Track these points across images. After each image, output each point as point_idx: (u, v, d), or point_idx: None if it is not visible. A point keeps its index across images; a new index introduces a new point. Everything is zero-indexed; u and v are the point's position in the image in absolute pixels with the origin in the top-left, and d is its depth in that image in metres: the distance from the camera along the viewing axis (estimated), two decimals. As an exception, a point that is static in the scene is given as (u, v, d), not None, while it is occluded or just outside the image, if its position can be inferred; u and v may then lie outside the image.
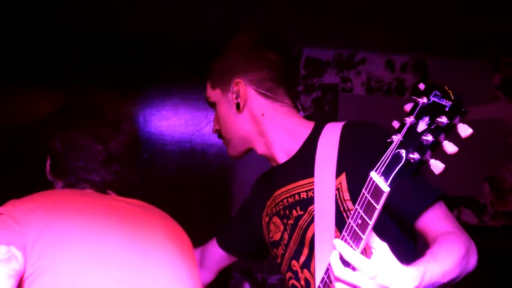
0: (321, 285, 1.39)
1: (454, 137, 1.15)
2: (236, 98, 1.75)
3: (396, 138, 1.18)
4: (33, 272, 1.40)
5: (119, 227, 1.52)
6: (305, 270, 1.63)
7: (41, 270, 1.40)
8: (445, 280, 1.37)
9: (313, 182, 1.63)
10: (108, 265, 1.45)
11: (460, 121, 1.14)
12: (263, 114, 1.75)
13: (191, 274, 1.60)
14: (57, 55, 3.33)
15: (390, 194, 1.17)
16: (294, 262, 1.67)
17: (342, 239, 1.28)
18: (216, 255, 2.00)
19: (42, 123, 1.76)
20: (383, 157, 1.20)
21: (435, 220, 1.51)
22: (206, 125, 3.37)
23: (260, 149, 1.77)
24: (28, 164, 1.83)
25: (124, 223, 1.54)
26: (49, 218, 1.47)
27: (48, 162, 1.75)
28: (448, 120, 1.13)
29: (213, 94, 1.81)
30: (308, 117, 1.85)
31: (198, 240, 1.96)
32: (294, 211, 1.68)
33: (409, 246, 1.58)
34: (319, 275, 1.52)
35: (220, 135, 1.85)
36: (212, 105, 1.83)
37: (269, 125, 1.75)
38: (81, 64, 3.35)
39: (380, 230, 1.27)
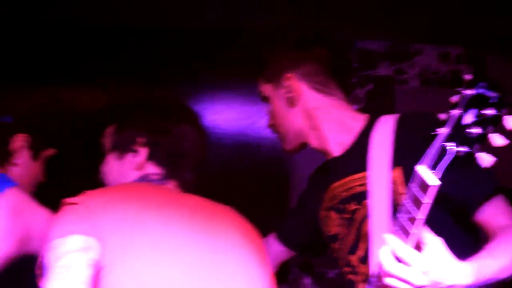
0: (374, 280, 1.39)
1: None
2: (288, 92, 1.76)
3: (443, 131, 1.17)
4: (108, 264, 1.40)
5: (192, 223, 1.53)
6: (363, 265, 1.62)
7: (117, 262, 1.40)
8: (503, 276, 1.35)
9: (368, 176, 1.62)
10: (182, 260, 1.46)
11: (508, 113, 1.12)
12: (315, 108, 1.75)
13: (265, 271, 1.60)
14: (115, 50, 3.39)
15: (443, 187, 1.15)
16: (351, 256, 1.67)
17: (393, 234, 1.27)
18: (276, 250, 2.01)
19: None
20: (430, 150, 1.19)
21: (495, 213, 1.49)
22: (261, 118, 3.38)
23: (314, 143, 1.78)
24: (91, 155, 1.85)
25: (197, 218, 1.54)
26: (124, 211, 1.47)
27: (145, 154, 1.77)
28: (495, 112, 1.11)
29: (266, 89, 1.82)
30: (361, 110, 1.85)
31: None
32: (349, 205, 1.67)
33: (467, 241, 1.55)
34: (374, 269, 1.52)
35: (274, 130, 1.86)
36: (265, 100, 1.85)
37: (322, 119, 1.75)
38: (135, 58, 3.40)
39: (435, 225, 1.26)
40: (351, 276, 1.68)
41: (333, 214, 1.74)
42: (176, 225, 1.51)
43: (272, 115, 1.83)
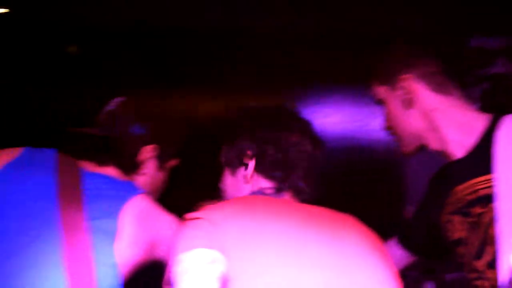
0: (504, 286, 1.33)
1: None
2: (406, 94, 1.72)
3: None
4: (234, 275, 1.41)
5: (314, 231, 1.52)
6: (490, 270, 1.56)
7: (242, 273, 1.41)
8: None
9: (494, 178, 1.57)
10: (310, 267, 1.44)
11: None
12: (434, 109, 1.70)
13: (393, 276, 1.57)
14: (233, 57, 3.44)
15: None
16: (477, 262, 1.61)
17: None
18: (397, 255, 1.97)
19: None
20: None
21: None
22: (371, 120, 3.33)
23: (434, 145, 1.73)
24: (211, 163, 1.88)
25: (318, 227, 1.53)
26: (247, 221, 1.48)
27: (251, 165, 1.76)
28: None
29: (382, 91, 1.79)
30: (478, 110, 1.78)
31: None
32: (475, 209, 1.62)
33: None
34: (504, 275, 1.45)
35: (391, 132, 1.82)
36: (381, 102, 1.81)
37: (441, 120, 1.70)
38: (241, 63, 3.43)
39: None
40: (477, 282, 1.62)
41: (456, 218, 1.68)
42: (298, 234, 1.50)
43: (389, 117, 1.79)
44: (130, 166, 1.88)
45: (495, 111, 1.72)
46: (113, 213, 1.64)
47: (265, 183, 1.67)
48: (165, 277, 1.47)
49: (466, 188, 1.65)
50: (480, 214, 1.60)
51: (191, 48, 3.45)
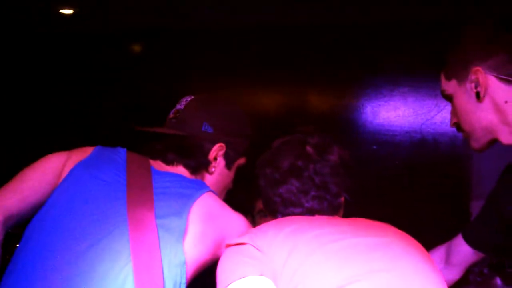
0: None
1: None
2: (476, 87, 1.67)
3: None
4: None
5: (357, 237, 1.49)
6: None
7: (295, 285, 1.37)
8: None
9: None
10: (360, 275, 1.40)
11: None
12: (506, 102, 1.65)
13: (440, 277, 1.54)
14: (288, 50, 3.44)
15: None
16: None
17: None
18: (464, 252, 1.93)
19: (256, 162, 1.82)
20: None
21: None
22: (437, 114, 3.27)
23: (506, 139, 1.68)
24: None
25: (360, 233, 1.51)
26: (293, 242, 1.45)
27: (260, 201, 1.80)
28: None
29: (449, 86, 1.75)
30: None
31: (431, 234, 1.92)
32: None
33: None
34: None
35: (459, 129, 1.78)
36: (448, 98, 1.77)
37: None
38: (308, 58, 3.42)
39: None
40: None
41: None
42: (347, 245, 1.46)
43: (457, 113, 1.75)
44: (200, 165, 1.91)
45: None
46: (182, 212, 1.65)
47: (285, 212, 1.65)
48: None
49: None
50: None
51: (256, 44, 3.47)
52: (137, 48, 3.65)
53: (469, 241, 1.92)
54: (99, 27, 3.52)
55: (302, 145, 1.72)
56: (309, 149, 1.70)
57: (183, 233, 1.61)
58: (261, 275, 1.40)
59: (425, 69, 3.39)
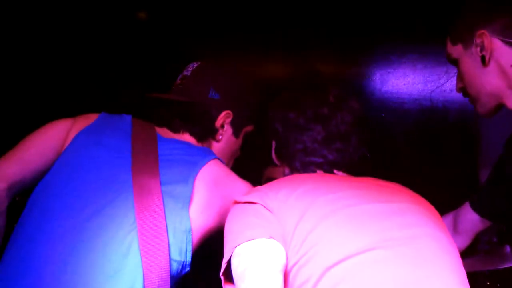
0: None
1: None
2: (481, 51, 1.64)
3: None
4: (297, 261, 1.35)
5: (372, 203, 1.45)
6: None
7: (306, 258, 1.34)
8: None
9: None
10: (373, 243, 1.37)
11: None
12: None
13: (454, 246, 1.52)
14: (295, 19, 3.39)
15: None
16: None
17: None
18: (471, 220, 1.92)
19: (269, 104, 1.76)
20: None
21: None
22: (447, 81, 3.22)
23: (488, 106, 1.65)
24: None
25: (375, 198, 1.48)
26: (305, 205, 1.41)
27: (273, 146, 1.76)
28: None
29: (455, 50, 1.72)
30: None
31: (443, 201, 1.90)
32: None
33: None
34: None
35: (465, 93, 1.75)
36: (454, 62, 1.74)
37: None
38: (308, 23, 3.37)
39: None
40: None
41: None
42: (357, 205, 1.44)
43: (463, 77, 1.73)
44: (207, 133, 1.89)
45: None
46: (187, 179, 1.65)
47: (305, 161, 1.62)
48: (222, 267, 1.40)
49: None
50: None
51: (260, 11, 3.43)
52: (142, 15, 3.62)
53: (476, 209, 1.90)
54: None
55: (325, 91, 1.67)
56: (332, 96, 1.66)
57: (188, 200, 1.61)
58: (271, 237, 1.36)
59: (435, 36, 3.34)
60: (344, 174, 1.63)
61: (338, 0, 3.36)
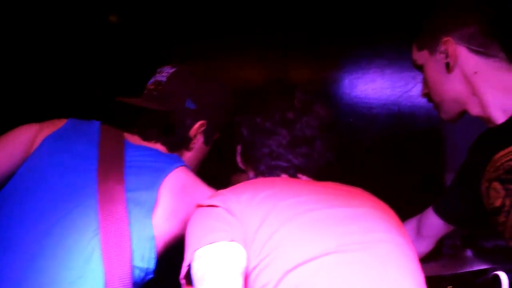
0: None
1: None
2: (446, 57, 1.67)
3: None
4: (257, 264, 1.35)
5: (334, 208, 1.46)
6: None
7: (266, 261, 1.34)
8: None
9: None
10: (333, 248, 1.38)
11: None
12: (475, 73, 1.65)
13: (413, 251, 1.53)
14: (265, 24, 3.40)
15: None
16: None
17: None
18: (435, 224, 1.94)
19: (237, 108, 1.77)
20: None
21: None
22: (414, 86, 3.26)
23: (475, 111, 1.68)
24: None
25: (337, 203, 1.49)
26: (267, 208, 1.41)
27: (239, 150, 1.75)
28: None
29: (420, 56, 1.74)
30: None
31: (408, 206, 1.92)
32: None
33: None
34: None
35: (430, 99, 1.78)
36: (420, 68, 1.77)
37: (482, 83, 1.63)
38: (279, 29, 3.38)
39: None
40: None
41: (497, 185, 1.63)
42: (319, 210, 1.44)
43: (427, 83, 1.75)
44: (180, 142, 1.88)
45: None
46: (153, 185, 1.64)
47: (271, 164, 1.62)
48: (182, 270, 1.40)
49: (507, 154, 1.59)
50: None
51: (232, 16, 3.44)
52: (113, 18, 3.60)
53: (440, 213, 1.93)
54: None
55: (291, 96, 1.68)
56: (298, 101, 1.67)
57: (152, 207, 1.60)
58: (232, 241, 1.36)
59: (403, 42, 3.38)
60: (309, 179, 1.64)
61: (307, 7, 3.39)
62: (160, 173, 1.66)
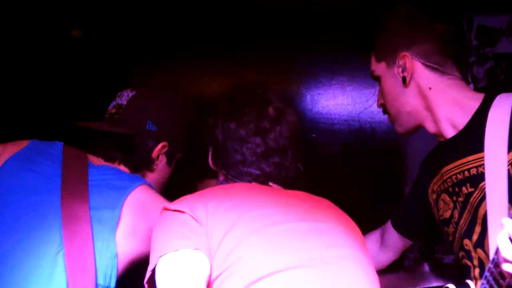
0: (491, 266, 1.34)
1: None
2: (402, 72, 1.70)
3: None
4: (220, 273, 1.36)
5: (299, 222, 1.48)
6: (479, 250, 1.56)
7: (229, 271, 1.35)
8: None
9: (483, 157, 1.55)
10: (296, 262, 1.40)
11: None
12: (430, 88, 1.69)
13: (372, 267, 1.56)
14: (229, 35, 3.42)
15: None
16: (466, 241, 1.61)
17: (511, 217, 1.22)
18: (393, 237, 1.98)
19: (210, 110, 1.77)
20: None
21: None
22: (375, 102, 3.30)
23: (429, 126, 1.72)
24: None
25: (303, 216, 1.51)
26: (233, 218, 1.42)
27: (211, 151, 1.76)
28: None
29: (378, 67, 1.78)
30: (481, 89, 1.78)
31: (369, 219, 1.95)
32: (464, 188, 1.61)
33: None
34: (491, 254, 1.46)
35: (385, 111, 1.82)
36: (377, 79, 1.80)
37: (436, 99, 1.68)
38: (244, 41, 3.41)
39: None
40: (466, 261, 1.63)
41: (446, 197, 1.68)
42: (285, 222, 1.46)
43: (384, 94, 1.79)
44: (142, 163, 1.89)
45: (499, 91, 1.71)
46: (116, 204, 1.64)
47: (242, 171, 1.63)
48: (146, 275, 1.40)
49: (455, 167, 1.64)
50: (469, 194, 1.59)
51: (192, 31, 3.45)
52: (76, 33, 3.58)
53: (396, 227, 1.96)
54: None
55: (265, 103, 1.68)
56: (272, 109, 1.67)
57: (115, 226, 1.60)
58: (197, 249, 1.36)
59: (364, 59, 3.43)
60: (279, 187, 1.66)
61: (269, 23, 3.42)
62: (122, 191, 1.67)
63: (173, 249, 1.36)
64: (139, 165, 1.88)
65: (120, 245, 1.61)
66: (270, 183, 1.65)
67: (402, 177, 3.32)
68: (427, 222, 1.86)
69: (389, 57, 1.74)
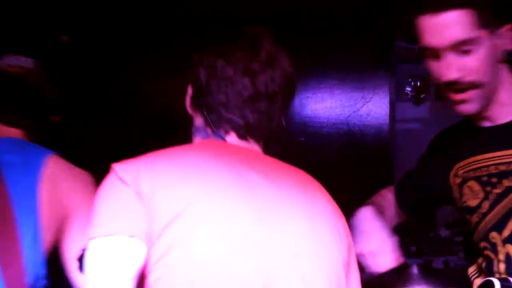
0: None
1: None
2: (506, 45, 1.58)
3: None
4: (157, 260, 1.21)
5: (261, 224, 1.30)
6: (508, 245, 1.53)
7: (171, 262, 1.21)
8: None
9: None
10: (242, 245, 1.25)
11: None
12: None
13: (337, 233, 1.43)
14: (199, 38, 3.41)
15: None
16: (494, 233, 1.56)
17: None
18: (396, 215, 1.88)
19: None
20: None
21: None
22: (363, 106, 3.32)
23: (482, 103, 1.60)
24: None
25: (274, 207, 1.33)
26: (187, 201, 1.25)
27: (190, 92, 1.54)
28: None
29: (478, 34, 1.55)
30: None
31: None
32: (505, 181, 1.55)
33: None
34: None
35: (465, 86, 1.59)
36: (462, 45, 1.57)
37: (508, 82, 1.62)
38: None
39: None
40: (489, 252, 1.59)
41: (475, 186, 1.62)
42: (240, 207, 1.28)
43: (471, 67, 1.57)
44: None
45: None
46: (32, 183, 1.63)
47: (223, 116, 1.44)
48: (79, 253, 1.26)
49: (495, 158, 1.58)
50: (510, 188, 1.54)
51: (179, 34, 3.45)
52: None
53: (403, 207, 1.88)
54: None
55: (258, 46, 1.50)
56: (264, 53, 1.49)
57: (36, 204, 1.61)
58: (132, 236, 1.20)
59: (352, 62, 3.44)
60: (256, 146, 1.48)
61: (256, 24, 3.42)
62: (34, 169, 1.64)
63: (105, 233, 1.20)
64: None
65: (42, 223, 1.61)
66: (248, 138, 1.47)
67: (391, 179, 3.32)
68: (426, 199, 1.80)
69: (496, 25, 1.56)
